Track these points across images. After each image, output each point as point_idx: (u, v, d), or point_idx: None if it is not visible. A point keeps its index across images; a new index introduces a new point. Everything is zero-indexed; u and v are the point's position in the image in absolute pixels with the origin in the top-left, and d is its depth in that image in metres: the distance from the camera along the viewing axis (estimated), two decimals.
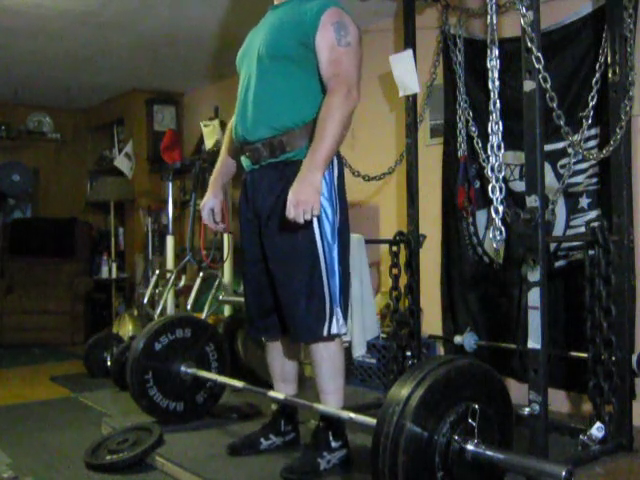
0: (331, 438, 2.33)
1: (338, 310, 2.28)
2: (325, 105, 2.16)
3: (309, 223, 2.17)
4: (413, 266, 3.27)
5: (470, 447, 1.70)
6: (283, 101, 2.26)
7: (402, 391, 1.68)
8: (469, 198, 3.40)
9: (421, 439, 1.65)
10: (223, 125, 4.91)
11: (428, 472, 1.67)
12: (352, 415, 2.12)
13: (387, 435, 1.63)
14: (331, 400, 2.33)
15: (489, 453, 1.71)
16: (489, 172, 2.26)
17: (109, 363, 4.05)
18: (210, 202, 2.63)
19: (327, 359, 2.31)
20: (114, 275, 5.84)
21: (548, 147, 2.88)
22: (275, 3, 2.43)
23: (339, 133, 2.14)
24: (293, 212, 2.09)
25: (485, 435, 1.74)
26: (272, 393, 2.48)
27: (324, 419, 2.35)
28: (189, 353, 2.92)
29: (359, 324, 3.07)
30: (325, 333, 2.25)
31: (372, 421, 1.83)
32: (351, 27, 2.24)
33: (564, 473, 1.57)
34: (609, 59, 2.63)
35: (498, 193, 2.23)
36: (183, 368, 2.88)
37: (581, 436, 2.43)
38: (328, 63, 2.19)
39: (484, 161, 3.27)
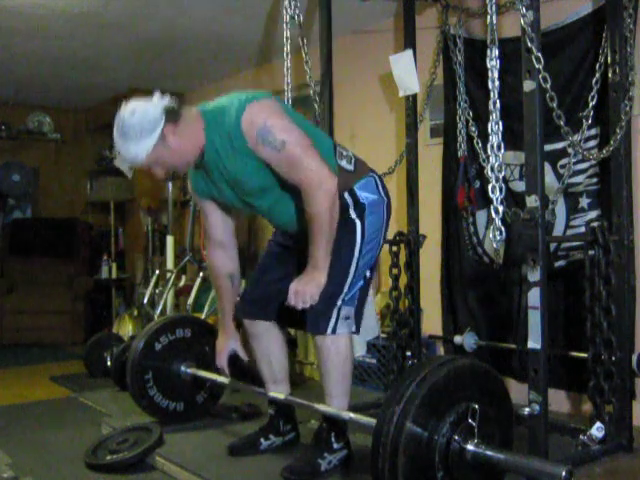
0: (333, 439, 2.32)
1: (347, 308, 2.26)
2: (307, 208, 2.13)
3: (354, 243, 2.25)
4: (413, 266, 3.27)
5: (470, 447, 1.71)
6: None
7: (402, 391, 1.68)
8: (469, 198, 3.40)
9: (421, 439, 1.65)
10: None
11: (428, 472, 1.68)
12: (352, 415, 2.12)
13: (387, 435, 1.63)
14: (335, 404, 2.29)
15: (489, 453, 1.71)
16: (489, 172, 2.26)
17: (109, 363, 4.05)
18: (230, 344, 2.58)
19: (333, 360, 2.26)
20: (114, 275, 5.84)
21: (548, 147, 2.87)
22: (199, 160, 2.26)
23: (329, 228, 2.13)
24: (293, 300, 2.17)
25: (485, 435, 1.74)
26: (272, 393, 2.48)
27: (327, 420, 2.33)
28: (189, 353, 2.92)
29: None
30: (330, 330, 2.22)
31: (372, 421, 1.83)
32: (269, 121, 2.09)
33: (564, 473, 1.57)
34: (609, 59, 2.63)
35: (498, 193, 2.23)
36: (183, 368, 2.88)
37: (581, 436, 2.43)
38: (285, 173, 2.13)
39: (484, 161, 3.27)
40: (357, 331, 2.32)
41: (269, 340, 2.52)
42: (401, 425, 1.63)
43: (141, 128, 2.10)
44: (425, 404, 1.66)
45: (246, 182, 2.22)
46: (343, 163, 2.30)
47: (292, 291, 2.17)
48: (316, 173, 2.09)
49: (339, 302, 2.22)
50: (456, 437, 1.70)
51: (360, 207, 2.29)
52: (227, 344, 2.59)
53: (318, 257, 2.15)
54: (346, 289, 2.23)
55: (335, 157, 2.29)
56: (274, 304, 2.46)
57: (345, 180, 2.27)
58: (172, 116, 2.16)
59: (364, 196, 2.30)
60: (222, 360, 2.59)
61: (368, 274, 2.34)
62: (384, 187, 2.40)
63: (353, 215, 2.28)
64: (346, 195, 2.27)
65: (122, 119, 2.12)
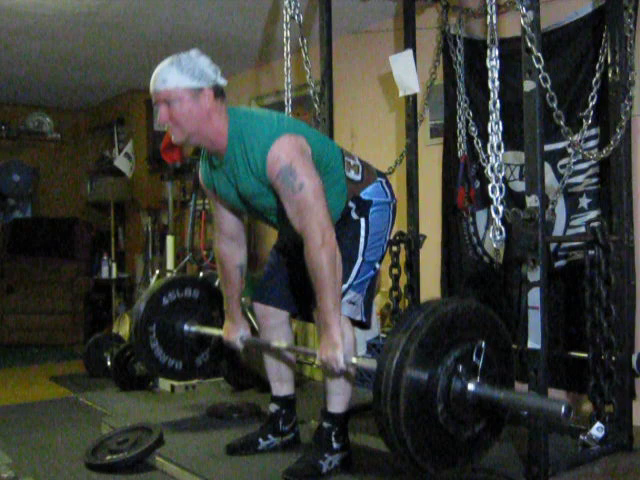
0: (333, 439, 2.32)
1: (353, 293, 2.27)
2: (308, 262, 2.12)
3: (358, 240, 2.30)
4: (413, 266, 3.27)
5: (471, 386, 1.73)
6: None
7: (408, 322, 1.70)
8: (469, 198, 3.40)
9: (425, 370, 1.68)
10: None
11: (429, 407, 1.70)
12: (354, 360, 2.13)
13: (392, 360, 1.65)
14: (335, 401, 2.32)
15: (489, 391, 1.73)
16: (489, 172, 2.26)
17: (109, 363, 4.05)
18: (241, 330, 2.55)
19: None
20: (114, 275, 5.84)
21: (548, 147, 2.88)
22: (215, 164, 2.29)
23: (332, 281, 2.10)
24: (325, 369, 2.21)
25: (487, 374, 1.76)
26: (276, 343, 2.44)
27: (327, 420, 2.33)
28: (195, 314, 2.83)
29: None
30: None
31: (373, 362, 1.84)
32: (295, 162, 2.08)
33: (563, 409, 1.59)
34: (609, 59, 2.63)
35: (498, 193, 2.23)
36: (187, 326, 2.79)
37: (581, 436, 2.43)
38: (292, 215, 2.13)
39: (484, 161, 3.27)
40: (367, 323, 2.34)
41: (279, 336, 2.51)
42: (407, 350, 1.64)
43: (193, 67, 2.17)
44: (430, 336, 1.68)
45: (252, 197, 2.25)
46: (351, 174, 2.33)
47: (319, 362, 2.17)
48: (320, 226, 2.09)
49: (344, 287, 2.23)
50: (460, 370, 1.72)
51: (364, 205, 2.33)
52: (237, 329, 2.56)
53: (326, 312, 2.11)
54: (353, 276, 2.26)
55: (343, 168, 2.31)
56: (286, 299, 2.50)
57: (352, 190, 2.32)
58: (220, 91, 2.19)
59: (368, 196, 2.35)
60: (239, 346, 2.56)
61: (377, 266, 2.37)
62: (390, 189, 2.45)
63: (355, 216, 2.33)
64: (350, 203, 2.33)
65: (187, 52, 2.21)
